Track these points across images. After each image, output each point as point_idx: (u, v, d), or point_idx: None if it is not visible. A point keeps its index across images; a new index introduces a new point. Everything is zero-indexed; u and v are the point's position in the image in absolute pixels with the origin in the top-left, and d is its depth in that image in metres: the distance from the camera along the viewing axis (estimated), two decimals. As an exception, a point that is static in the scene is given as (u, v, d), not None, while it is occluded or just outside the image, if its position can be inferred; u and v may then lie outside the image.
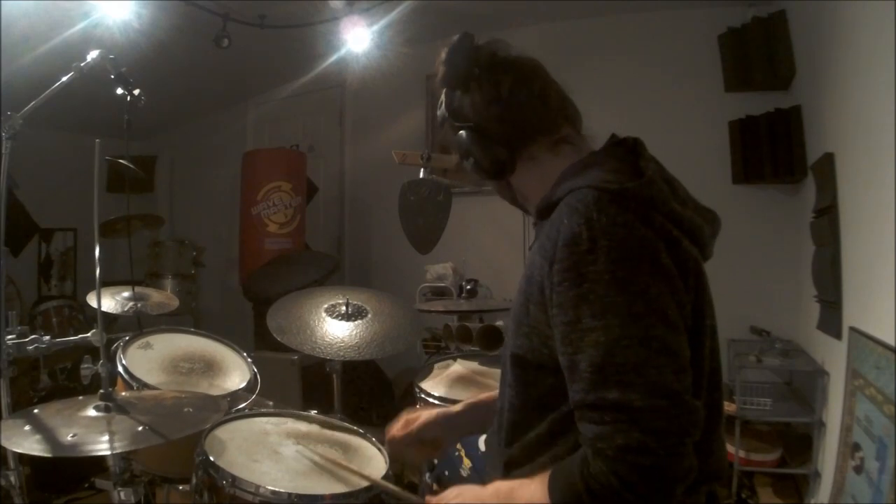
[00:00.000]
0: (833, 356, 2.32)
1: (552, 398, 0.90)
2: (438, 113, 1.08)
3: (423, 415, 1.24)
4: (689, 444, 0.78)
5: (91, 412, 1.23)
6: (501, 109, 1.00)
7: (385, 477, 1.32)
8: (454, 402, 1.34)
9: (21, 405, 1.74)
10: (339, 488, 1.29)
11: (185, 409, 1.31)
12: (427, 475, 1.46)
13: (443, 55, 1.04)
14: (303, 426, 1.57)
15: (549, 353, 0.87)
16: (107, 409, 1.24)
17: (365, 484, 1.29)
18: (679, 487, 0.77)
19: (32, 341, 1.50)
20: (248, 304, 3.96)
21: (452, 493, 1.01)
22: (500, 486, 0.94)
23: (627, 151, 0.98)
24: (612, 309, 0.79)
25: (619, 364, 0.77)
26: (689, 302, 0.86)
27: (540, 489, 0.85)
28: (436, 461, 1.40)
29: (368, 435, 1.55)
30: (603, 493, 0.76)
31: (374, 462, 1.42)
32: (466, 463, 1.40)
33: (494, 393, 1.20)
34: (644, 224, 0.84)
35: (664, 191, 0.89)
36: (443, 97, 1.07)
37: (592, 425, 0.79)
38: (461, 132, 1.03)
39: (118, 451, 1.27)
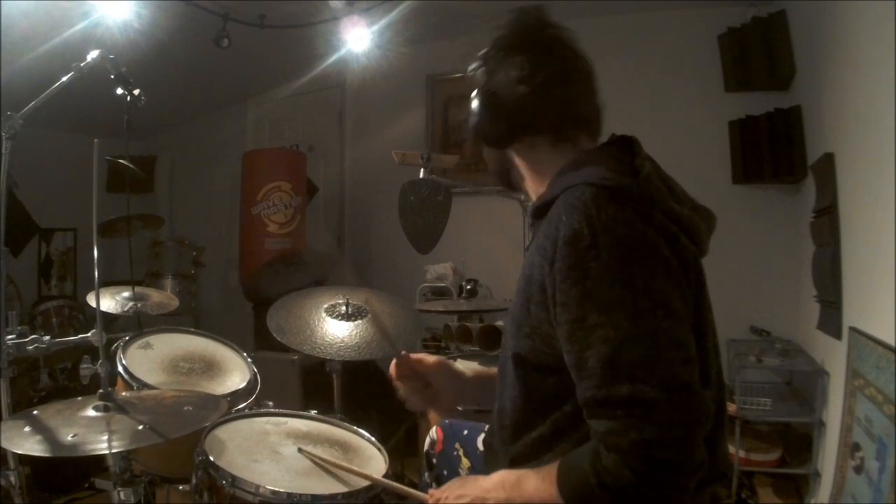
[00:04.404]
0: (833, 356, 2.32)
1: (555, 398, 0.90)
2: (473, 65, 1.06)
3: (441, 359, 1.26)
4: (701, 435, 0.78)
5: (91, 412, 1.23)
6: (526, 94, 0.98)
7: (385, 476, 1.32)
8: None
9: (21, 405, 1.74)
10: (339, 488, 1.29)
11: (185, 408, 1.31)
12: (426, 475, 1.46)
13: (515, 15, 1.01)
14: (303, 426, 1.57)
15: (552, 353, 0.87)
16: (106, 409, 1.23)
17: (365, 484, 1.29)
18: (692, 481, 0.77)
19: (32, 341, 1.50)
20: (248, 304, 3.96)
21: (456, 483, 1.01)
22: (505, 477, 0.94)
23: (622, 150, 0.98)
24: (618, 304, 0.79)
25: (628, 359, 0.78)
26: (692, 296, 0.87)
27: (547, 480, 0.85)
28: (434, 460, 1.40)
29: (368, 435, 1.55)
30: (617, 487, 0.76)
31: (373, 462, 1.42)
32: (465, 463, 1.40)
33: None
34: (643, 221, 0.84)
35: (661, 189, 0.90)
36: (490, 48, 1.04)
37: (604, 420, 0.79)
38: (482, 91, 1.02)
39: (118, 450, 1.27)
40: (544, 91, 0.98)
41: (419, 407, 1.28)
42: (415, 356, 1.25)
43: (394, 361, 1.26)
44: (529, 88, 0.98)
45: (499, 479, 0.95)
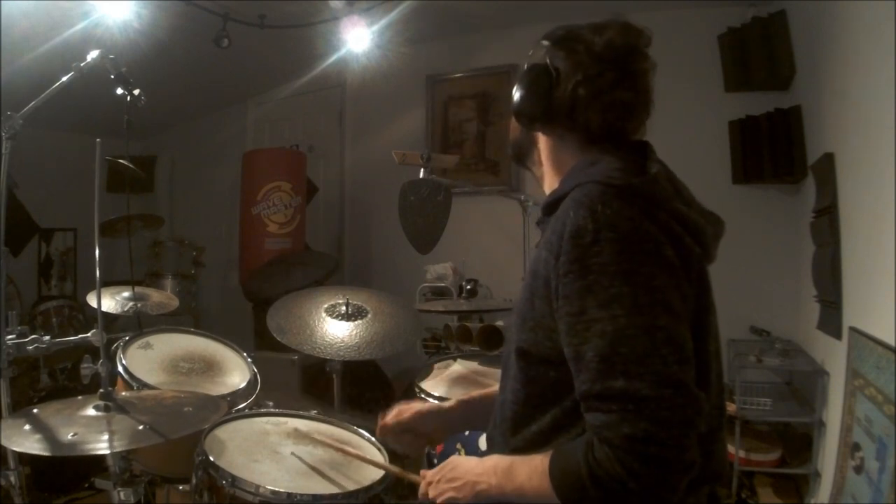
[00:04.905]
0: (833, 356, 2.32)
1: (555, 392, 0.91)
2: (548, 40, 1.03)
3: (415, 407, 1.24)
4: (694, 436, 0.78)
5: (91, 412, 1.23)
6: (582, 95, 0.96)
7: (384, 479, 1.32)
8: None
9: (21, 405, 1.74)
10: (339, 488, 1.29)
11: (185, 409, 1.31)
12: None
13: (617, 24, 0.99)
14: (303, 426, 1.57)
15: (553, 347, 0.88)
16: (106, 409, 1.24)
17: (367, 482, 1.30)
18: (683, 480, 0.78)
19: (32, 341, 1.50)
20: (248, 304, 3.96)
21: (448, 465, 1.02)
22: (498, 462, 0.95)
23: (634, 151, 0.99)
24: (618, 300, 0.80)
25: (624, 354, 0.78)
26: (692, 296, 0.87)
27: (540, 469, 0.86)
28: (435, 460, 1.40)
29: (368, 435, 1.55)
30: (606, 480, 0.76)
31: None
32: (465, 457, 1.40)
33: (487, 390, 1.21)
34: (648, 219, 0.84)
35: (668, 189, 0.91)
36: (575, 35, 1.01)
37: (599, 414, 0.79)
38: (541, 67, 1.00)
39: (118, 449, 1.27)
40: (600, 102, 0.96)
41: (419, 452, 1.28)
42: (391, 420, 1.24)
43: (378, 431, 1.26)
44: (587, 92, 0.96)
45: (491, 465, 0.95)
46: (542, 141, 1.07)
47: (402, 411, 1.24)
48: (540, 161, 1.09)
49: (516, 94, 1.03)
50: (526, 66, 1.03)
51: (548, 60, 1.00)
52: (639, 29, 1.01)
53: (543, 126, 1.03)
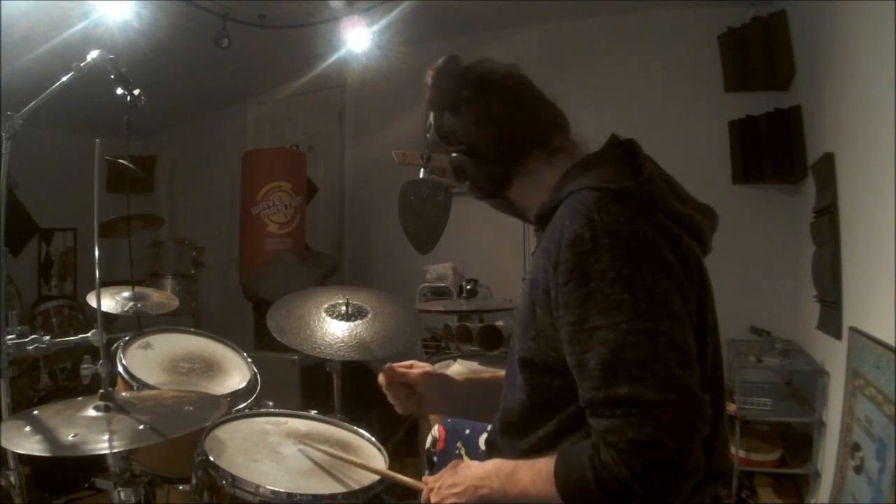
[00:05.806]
0: (833, 356, 2.32)
1: (560, 399, 0.90)
2: (428, 136, 1.10)
3: (427, 367, 1.26)
4: (698, 439, 0.78)
5: (91, 412, 1.23)
6: (494, 129, 1.01)
7: (384, 478, 1.32)
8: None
9: (21, 405, 1.74)
10: (339, 488, 1.29)
11: (185, 408, 1.31)
12: (426, 473, 1.46)
13: (429, 78, 1.06)
14: (303, 426, 1.57)
15: (556, 356, 0.88)
16: (107, 409, 1.23)
17: (367, 482, 1.30)
18: (687, 483, 0.78)
19: (32, 341, 1.50)
20: (248, 304, 3.96)
21: (449, 471, 1.02)
22: (500, 466, 0.95)
23: (624, 152, 0.98)
24: (618, 306, 0.80)
25: (627, 360, 0.78)
26: (693, 297, 0.87)
27: (544, 472, 0.86)
28: (435, 458, 1.40)
29: (368, 435, 1.55)
30: (611, 483, 0.76)
31: (373, 462, 1.43)
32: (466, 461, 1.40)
33: (496, 374, 1.21)
34: (645, 222, 0.84)
35: (663, 188, 0.90)
36: (431, 120, 1.08)
37: (604, 420, 0.80)
38: (454, 155, 1.05)
39: (118, 449, 1.27)
40: (508, 117, 1.01)
41: (408, 412, 1.29)
42: (400, 368, 1.25)
43: (382, 373, 1.26)
44: (495, 124, 1.01)
45: (493, 468, 0.95)
46: (515, 192, 1.08)
47: (413, 366, 1.25)
48: (527, 203, 1.08)
49: (468, 190, 1.08)
50: (448, 163, 1.08)
51: (446, 143, 1.07)
52: (458, 60, 1.11)
53: (506, 184, 1.05)
